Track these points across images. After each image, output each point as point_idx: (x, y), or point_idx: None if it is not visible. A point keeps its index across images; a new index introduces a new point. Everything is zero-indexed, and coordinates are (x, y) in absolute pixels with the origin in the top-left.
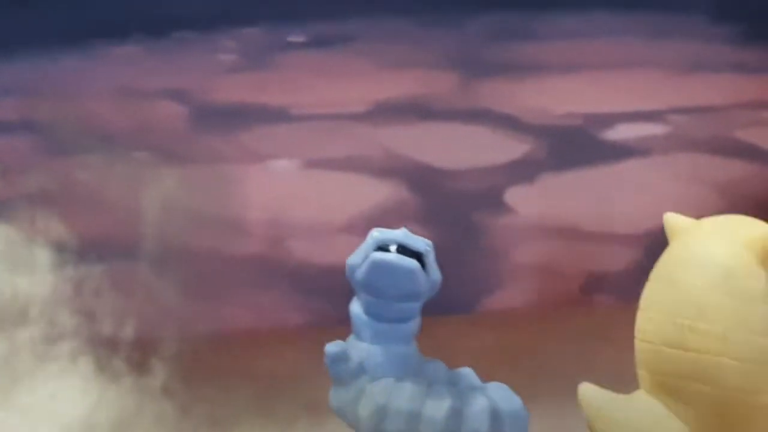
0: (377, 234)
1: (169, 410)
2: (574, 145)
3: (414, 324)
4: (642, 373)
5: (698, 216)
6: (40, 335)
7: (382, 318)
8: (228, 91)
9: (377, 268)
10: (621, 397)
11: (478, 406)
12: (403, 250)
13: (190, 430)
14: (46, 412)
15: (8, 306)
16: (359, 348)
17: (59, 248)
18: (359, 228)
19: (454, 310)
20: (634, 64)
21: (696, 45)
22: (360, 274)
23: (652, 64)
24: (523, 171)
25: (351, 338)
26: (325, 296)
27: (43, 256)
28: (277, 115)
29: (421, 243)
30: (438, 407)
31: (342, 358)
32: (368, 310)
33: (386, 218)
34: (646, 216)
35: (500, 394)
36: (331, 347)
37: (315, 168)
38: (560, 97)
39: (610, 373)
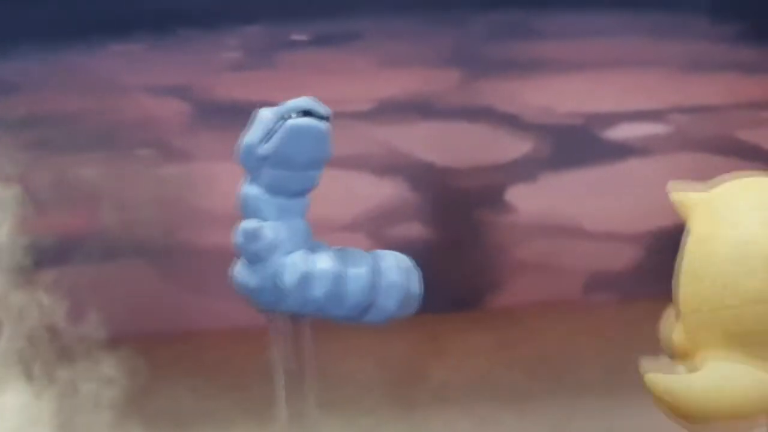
0: (270, 110)
1: (152, 406)
2: (576, 144)
3: (308, 198)
4: (705, 343)
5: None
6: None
7: (286, 192)
8: (231, 88)
9: (295, 134)
10: (685, 376)
11: (390, 261)
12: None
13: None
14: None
15: None
16: (266, 227)
17: (55, 244)
18: (362, 226)
19: (456, 308)
20: (635, 63)
21: (697, 44)
22: (269, 147)
23: (654, 63)
24: (524, 170)
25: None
26: None
27: (33, 252)
28: None
29: (324, 107)
30: (359, 265)
31: (259, 235)
32: (272, 186)
33: (388, 216)
34: (647, 215)
35: (396, 256)
36: (249, 224)
37: None
38: (562, 96)
39: (611, 370)
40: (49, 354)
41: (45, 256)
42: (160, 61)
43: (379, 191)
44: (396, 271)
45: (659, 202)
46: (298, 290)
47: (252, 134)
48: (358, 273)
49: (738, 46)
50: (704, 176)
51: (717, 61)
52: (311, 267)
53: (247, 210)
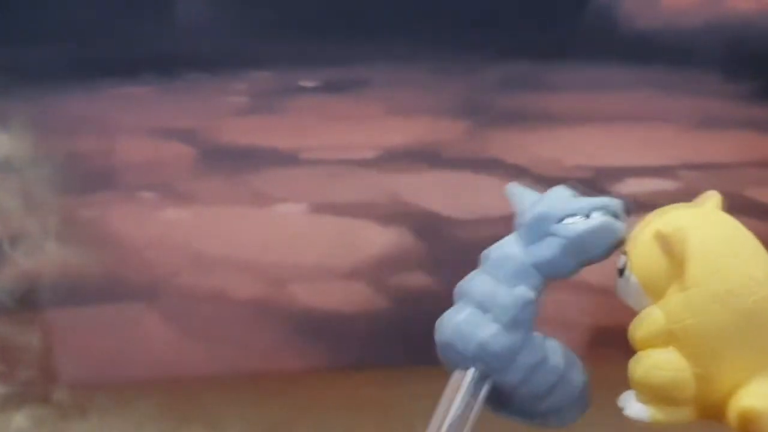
0: (601, 200)
1: None
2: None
3: None
4: None
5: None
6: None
7: (551, 275)
8: (237, 133)
9: (599, 232)
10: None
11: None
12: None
13: None
14: None
15: None
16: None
17: (55, 285)
18: (363, 274)
19: None
20: (646, 118)
21: (709, 101)
22: (578, 230)
23: (665, 118)
24: None
25: (487, 277)
26: (326, 342)
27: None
28: (286, 159)
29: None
30: None
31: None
32: (544, 265)
33: (391, 265)
34: None
35: None
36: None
37: (321, 212)
38: (571, 148)
39: (618, 425)
40: (42, 397)
41: (44, 298)
42: (165, 105)
43: (383, 240)
44: None
45: None
46: None
47: (551, 207)
48: None
49: (750, 104)
50: None
51: (729, 119)
52: None
53: (509, 270)
